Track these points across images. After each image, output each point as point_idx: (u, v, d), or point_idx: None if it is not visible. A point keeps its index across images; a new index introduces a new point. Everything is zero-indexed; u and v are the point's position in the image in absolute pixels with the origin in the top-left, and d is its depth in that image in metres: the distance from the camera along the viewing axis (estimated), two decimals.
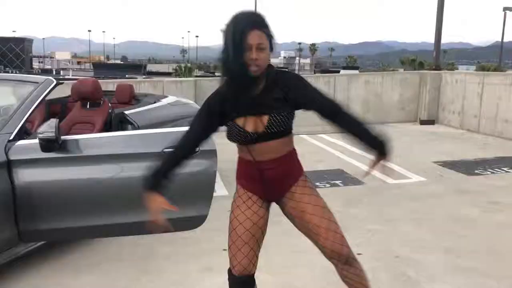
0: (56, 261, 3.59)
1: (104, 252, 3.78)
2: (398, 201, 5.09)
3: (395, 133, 9.32)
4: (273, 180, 2.17)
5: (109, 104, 4.60)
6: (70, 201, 3.30)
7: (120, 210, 3.37)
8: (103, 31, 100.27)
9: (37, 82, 3.76)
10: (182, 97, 8.90)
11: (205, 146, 3.28)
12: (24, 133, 3.44)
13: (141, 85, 9.36)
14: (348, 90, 10.51)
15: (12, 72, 45.66)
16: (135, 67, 47.29)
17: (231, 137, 2.13)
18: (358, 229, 4.24)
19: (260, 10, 5.61)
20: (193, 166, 3.36)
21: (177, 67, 57.12)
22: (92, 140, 3.43)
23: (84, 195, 3.31)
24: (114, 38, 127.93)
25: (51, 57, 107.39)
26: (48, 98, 4.98)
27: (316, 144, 8.43)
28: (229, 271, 2.25)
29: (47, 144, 3.19)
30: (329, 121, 2.14)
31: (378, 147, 2.11)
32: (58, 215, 3.28)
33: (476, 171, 6.27)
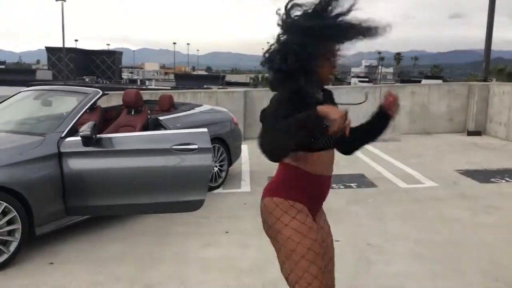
0: (93, 232, 4.60)
1: (129, 228, 4.74)
2: (399, 202, 5.57)
3: (435, 143, 9.58)
4: (323, 198, 2.10)
5: (148, 111, 5.60)
6: (104, 184, 4.28)
7: (142, 193, 4.30)
8: (188, 43, 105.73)
9: (87, 93, 4.84)
10: (231, 107, 9.90)
11: (202, 145, 4.13)
12: (74, 132, 4.49)
13: (197, 95, 10.44)
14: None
15: (103, 82, 50.10)
16: (214, 78, 49.80)
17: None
18: (350, 223, 4.84)
19: None
20: (192, 160, 4.25)
21: (254, 77, 59.05)
22: (121, 138, 4.41)
23: (115, 180, 4.28)
24: (198, 50, 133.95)
25: (140, 68, 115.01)
26: (105, 106, 6.15)
27: None
28: None
29: (86, 140, 4.21)
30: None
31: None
32: (95, 195, 4.27)
33: (491, 179, 6.51)
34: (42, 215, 4.07)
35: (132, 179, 4.26)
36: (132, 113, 5.54)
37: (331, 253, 2.16)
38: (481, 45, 11.74)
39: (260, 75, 59.51)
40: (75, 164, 4.25)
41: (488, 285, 3.44)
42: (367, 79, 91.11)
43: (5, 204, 3.77)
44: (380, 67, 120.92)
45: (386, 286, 3.43)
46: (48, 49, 74.59)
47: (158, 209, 4.39)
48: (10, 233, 3.85)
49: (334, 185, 6.33)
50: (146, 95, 8.81)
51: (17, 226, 3.86)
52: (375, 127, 2.16)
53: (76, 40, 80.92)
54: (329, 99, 2.10)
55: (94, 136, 4.21)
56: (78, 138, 4.27)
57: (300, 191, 2.00)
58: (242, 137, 6.95)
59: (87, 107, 4.69)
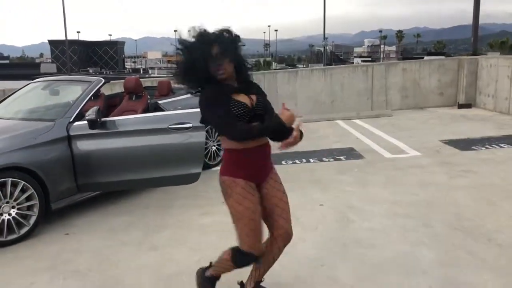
0: (102, 206, 5.10)
1: (135, 202, 5.24)
2: (382, 171, 6.01)
3: (425, 117, 9.98)
4: (263, 165, 2.62)
5: (148, 96, 6.05)
6: (110, 162, 4.76)
7: (144, 169, 4.78)
8: (189, 30, 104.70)
9: (91, 82, 5.30)
10: None
11: (196, 123, 4.59)
12: (81, 117, 4.94)
13: None
14: (386, 78, 11.22)
15: (107, 73, 50.53)
16: None
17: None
18: (335, 189, 5.31)
19: None
20: (187, 137, 4.71)
21: (256, 62, 59.06)
22: (123, 120, 4.87)
23: (119, 158, 4.76)
24: None
25: (143, 57, 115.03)
26: (108, 93, 6.60)
27: (345, 127, 9.36)
28: (239, 251, 2.59)
29: (91, 124, 4.68)
30: None
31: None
32: (103, 173, 4.75)
33: (472, 147, 6.93)
34: (56, 192, 4.56)
35: (135, 156, 4.73)
36: (133, 98, 5.99)
37: (281, 204, 2.67)
38: (485, 19, 11.95)
39: (262, 59, 59.58)
40: (83, 146, 4.73)
41: (449, 233, 3.91)
42: (369, 59, 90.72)
43: (23, 182, 4.26)
44: (382, 46, 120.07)
45: (360, 238, 3.90)
46: (51, 42, 75.01)
47: (159, 183, 4.87)
48: (29, 208, 4.35)
49: (324, 159, 6.80)
50: (147, 82, 9.26)
51: (35, 202, 4.36)
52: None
53: (78, 32, 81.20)
54: (254, 89, 2.64)
55: (98, 120, 4.67)
56: (85, 122, 4.73)
57: (238, 167, 2.53)
58: None
59: (91, 93, 5.15)
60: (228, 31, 2.56)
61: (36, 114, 5.22)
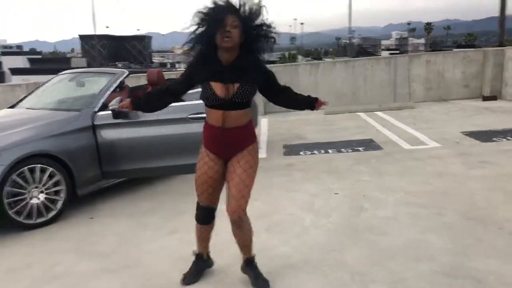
0: (125, 193, 5.33)
1: (156, 189, 5.45)
2: (400, 161, 6.05)
3: (448, 109, 9.89)
4: (228, 145, 2.80)
5: None
6: (132, 151, 4.97)
7: (164, 157, 4.97)
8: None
9: (115, 73, 5.51)
10: None
11: (196, 115, 4.76)
12: (105, 107, 5.16)
13: None
14: (409, 70, 11.14)
15: (135, 67, 51.27)
16: None
17: (205, 98, 2.72)
18: (351, 179, 5.39)
19: None
20: (187, 128, 4.87)
21: (281, 55, 58.93)
22: None
23: (141, 146, 4.96)
24: None
25: (171, 52, 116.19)
26: (132, 86, 6.82)
27: (366, 120, 9.37)
28: (197, 203, 3.03)
29: (115, 114, 4.89)
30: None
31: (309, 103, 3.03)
32: (125, 161, 4.96)
33: (493, 139, 6.87)
34: (82, 178, 4.80)
35: (155, 145, 4.92)
36: None
37: (236, 178, 2.80)
38: None
39: (287, 53, 59.35)
40: (107, 134, 4.95)
41: (462, 222, 3.95)
42: (397, 51, 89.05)
43: (51, 169, 4.51)
44: (411, 38, 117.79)
45: (372, 225, 3.99)
46: (82, 37, 76.59)
47: (178, 170, 5.05)
48: (56, 193, 4.60)
49: (342, 149, 6.87)
50: (173, 75, 9.47)
51: (62, 187, 4.61)
52: (300, 106, 3.10)
53: (107, 27, 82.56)
54: (247, 75, 2.73)
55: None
56: (109, 112, 4.95)
57: (206, 138, 2.87)
58: (257, 109, 7.51)
59: (115, 85, 5.37)
60: (252, 3, 2.64)
61: (63, 104, 5.48)
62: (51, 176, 4.54)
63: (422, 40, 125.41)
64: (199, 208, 3.04)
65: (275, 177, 5.61)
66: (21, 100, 5.95)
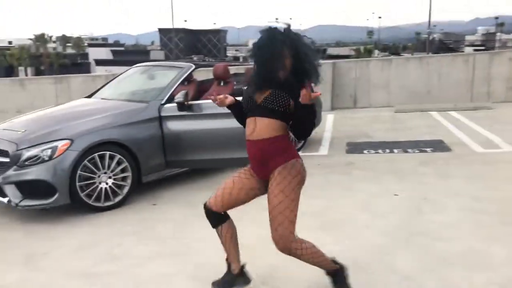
0: (187, 182, 5.55)
1: (216, 179, 5.59)
2: (469, 164, 5.75)
3: None
4: (260, 160, 2.66)
5: (234, 82, 6.36)
6: (195, 142, 5.15)
7: (225, 149, 5.10)
8: (290, 18, 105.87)
9: (182, 67, 5.73)
10: None
11: None
12: (172, 99, 5.37)
13: None
14: (490, 67, 10.50)
15: (209, 60, 52.67)
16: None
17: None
18: (413, 181, 5.21)
19: None
20: None
21: (356, 49, 57.76)
22: (207, 103, 5.21)
23: (204, 138, 5.13)
24: (300, 24, 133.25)
25: (245, 45, 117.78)
26: (200, 79, 7.05)
27: (438, 119, 8.97)
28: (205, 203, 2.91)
29: (180, 106, 5.09)
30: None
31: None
32: (189, 151, 5.16)
33: None
34: (147, 166, 5.06)
35: (217, 137, 5.07)
36: (221, 84, 6.34)
37: (269, 206, 2.64)
38: None
39: (362, 47, 58.09)
40: (172, 126, 5.17)
41: None
42: (483, 48, 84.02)
43: (119, 156, 4.80)
44: (498, 33, 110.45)
45: (429, 229, 3.84)
46: (161, 30, 79.81)
47: (238, 163, 5.15)
48: (123, 179, 4.88)
49: (409, 150, 6.65)
50: (241, 69, 9.63)
51: (128, 174, 4.88)
52: (297, 118, 2.63)
53: (185, 21, 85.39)
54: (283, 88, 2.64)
55: (186, 103, 5.07)
56: (175, 104, 5.16)
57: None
58: (321, 103, 7.46)
59: (182, 78, 5.58)
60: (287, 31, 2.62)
61: (133, 96, 5.78)
62: (119, 163, 4.82)
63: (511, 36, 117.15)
64: (205, 209, 2.93)
65: (335, 174, 5.56)
66: (97, 91, 6.34)
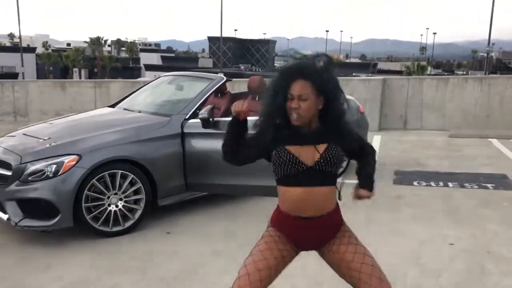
0: (208, 209, 4.93)
1: (241, 209, 4.97)
2: None
3: None
4: (317, 235, 2.11)
5: None
6: (221, 165, 4.52)
7: (251, 175, 4.45)
8: (341, 31, 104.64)
9: (212, 79, 5.16)
10: (366, 95, 9.63)
11: None
12: (197, 115, 4.80)
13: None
14: None
15: (256, 70, 52.55)
16: (364, 66, 48.85)
17: (279, 166, 2.08)
18: (473, 226, 4.39)
19: None
20: None
21: (409, 65, 55.94)
22: None
23: None
24: (351, 37, 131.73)
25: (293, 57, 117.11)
26: (234, 92, 6.49)
27: (499, 148, 7.98)
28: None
29: (204, 123, 4.51)
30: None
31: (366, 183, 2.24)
32: (212, 174, 4.56)
33: None
34: (165, 188, 4.50)
35: None
36: (256, 98, 5.73)
37: (364, 269, 2.06)
38: None
39: (416, 63, 56.20)
40: (196, 144, 4.59)
41: None
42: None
43: (132, 176, 4.26)
44: None
45: None
46: (210, 38, 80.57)
47: (269, 192, 4.50)
48: (136, 202, 4.33)
49: (466, 184, 5.79)
50: None
51: (142, 196, 4.33)
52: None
53: (235, 30, 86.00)
54: (333, 138, 2.13)
55: (211, 119, 4.48)
56: (199, 120, 4.58)
57: (278, 221, 2.15)
58: (368, 126, 6.69)
59: (210, 92, 5.01)
60: (324, 59, 2.06)
61: (156, 108, 5.24)
62: (132, 184, 4.29)
63: None
64: None
65: (379, 211, 4.78)
66: (123, 99, 5.88)
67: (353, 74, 37.46)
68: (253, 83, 5.70)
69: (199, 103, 4.85)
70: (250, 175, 4.46)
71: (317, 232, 2.09)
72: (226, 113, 5.63)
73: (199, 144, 4.60)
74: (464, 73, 58.29)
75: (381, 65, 64.12)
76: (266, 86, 2.20)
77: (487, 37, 31.93)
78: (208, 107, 4.54)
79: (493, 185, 5.77)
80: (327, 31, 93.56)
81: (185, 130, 4.62)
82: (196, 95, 4.95)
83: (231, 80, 5.53)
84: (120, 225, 4.25)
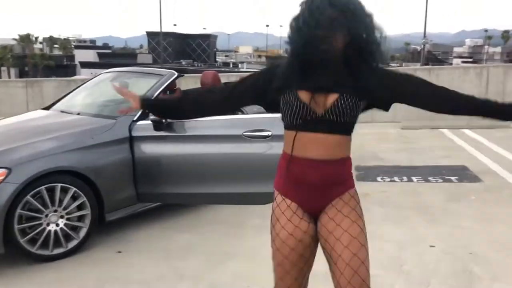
0: (164, 220, 4.42)
1: (202, 218, 4.50)
2: (509, 202, 4.74)
3: None
4: (315, 187, 1.82)
5: None
6: (176, 171, 4.04)
7: (213, 182, 4.00)
8: (280, 25, 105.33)
9: (162, 75, 4.62)
10: None
11: (276, 131, 3.70)
12: (147, 115, 4.27)
13: None
14: (504, 83, 9.59)
15: (198, 66, 51.65)
16: None
17: (286, 114, 1.81)
18: (448, 224, 4.18)
19: None
20: (266, 148, 3.85)
21: None
22: (192, 122, 4.12)
23: (186, 167, 4.02)
24: (281, 26, 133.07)
25: (235, 51, 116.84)
26: (184, 88, 5.97)
27: (453, 139, 7.99)
28: None
29: (156, 125, 3.99)
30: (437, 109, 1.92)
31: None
32: (167, 182, 4.05)
33: None
34: (113, 201, 3.94)
35: (203, 166, 3.97)
36: None
37: (344, 237, 1.80)
38: None
39: None
40: (147, 149, 4.06)
41: None
42: (471, 60, 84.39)
43: (74, 189, 3.67)
44: (486, 46, 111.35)
45: None
46: (149, 33, 78.43)
47: (230, 200, 4.07)
48: (80, 218, 3.76)
49: (430, 178, 5.64)
50: (233, 77, 8.58)
51: (87, 212, 3.75)
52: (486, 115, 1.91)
53: (174, 25, 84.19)
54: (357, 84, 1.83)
55: (164, 120, 3.97)
56: (150, 121, 4.06)
57: (284, 180, 1.87)
58: None
59: (161, 89, 4.46)
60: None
61: (99, 109, 4.64)
62: (74, 198, 3.71)
63: (499, 49, 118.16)
64: None
65: None
66: (58, 100, 5.20)
67: None
68: (206, 78, 5.23)
69: None
70: (212, 182, 4.02)
71: (324, 180, 1.81)
72: None
73: (150, 149, 4.08)
74: (398, 65, 60.46)
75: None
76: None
77: (419, 30, 32.99)
78: None
79: (456, 177, 5.65)
80: (267, 25, 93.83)
81: (134, 134, 4.07)
82: (145, 93, 4.40)
83: (183, 75, 5.02)
84: (63, 246, 3.66)
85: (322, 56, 1.72)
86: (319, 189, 1.82)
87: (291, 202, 1.85)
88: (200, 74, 5.58)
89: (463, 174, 5.80)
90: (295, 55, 1.79)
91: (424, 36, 34.39)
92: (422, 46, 39.76)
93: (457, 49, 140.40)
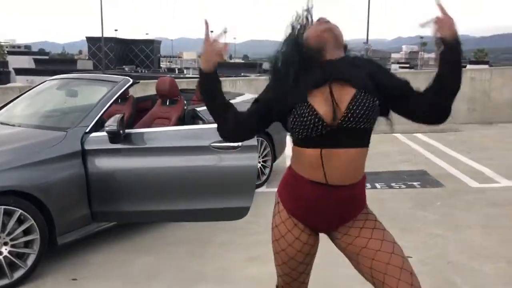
0: (123, 241, 4.04)
1: (165, 236, 4.16)
2: (474, 206, 4.75)
3: (501, 134, 8.62)
4: (338, 211, 1.77)
5: (185, 101, 4.99)
6: (135, 187, 3.70)
7: (178, 198, 3.70)
8: (224, 32, 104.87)
9: (116, 82, 4.26)
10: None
11: (246, 142, 3.45)
12: (101, 126, 3.90)
13: (236, 83, 9.80)
14: None
15: (142, 72, 50.43)
16: (251, 66, 49.52)
17: (297, 129, 1.67)
18: (418, 232, 4.10)
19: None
20: (235, 160, 3.60)
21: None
22: (152, 133, 3.81)
23: (146, 182, 3.70)
24: (234, 38, 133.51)
25: (179, 57, 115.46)
26: (138, 96, 5.59)
27: (407, 143, 8.08)
28: None
29: (112, 136, 3.63)
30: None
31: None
32: (124, 199, 3.70)
33: None
34: (64, 222, 3.53)
35: (166, 181, 3.66)
36: (167, 103, 4.95)
37: (383, 254, 1.77)
38: None
39: None
40: (101, 164, 3.69)
41: None
42: (407, 65, 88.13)
43: (20, 211, 3.25)
44: (421, 52, 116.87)
45: None
46: (89, 39, 75.74)
47: (196, 217, 3.79)
48: (28, 244, 3.33)
49: (393, 184, 5.59)
50: (183, 84, 8.23)
51: (35, 236, 3.33)
52: (444, 68, 1.69)
53: (116, 30, 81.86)
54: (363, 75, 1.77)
55: (121, 132, 3.62)
56: (105, 133, 3.69)
57: (293, 200, 1.80)
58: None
59: (115, 97, 4.10)
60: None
61: (44, 120, 4.21)
62: (20, 222, 3.28)
63: (433, 55, 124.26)
64: None
65: None
66: None
67: (242, 74, 37.64)
68: (163, 85, 4.91)
69: (101, 112, 3.93)
70: (173, 198, 3.71)
71: (337, 206, 1.73)
72: (132, 122, 4.80)
73: (106, 163, 3.71)
74: None
75: (267, 65, 65.28)
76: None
77: (357, 37, 33.99)
78: (117, 116, 3.65)
79: (419, 183, 5.64)
80: (211, 31, 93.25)
81: (87, 147, 3.69)
82: (97, 102, 4.02)
83: (138, 82, 4.66)
84: (7, 277, 3.22)
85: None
86: (332, 217, 1.78)
87: (298, 221, 1.82)
88: (151, 81, 5.27)
89: (424, 179, 5.81)
90: (290, 62, 1.76)
91: (367, 41, 35.45)
92: (365, 51, 40.89)
93: (394, 55, 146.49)
